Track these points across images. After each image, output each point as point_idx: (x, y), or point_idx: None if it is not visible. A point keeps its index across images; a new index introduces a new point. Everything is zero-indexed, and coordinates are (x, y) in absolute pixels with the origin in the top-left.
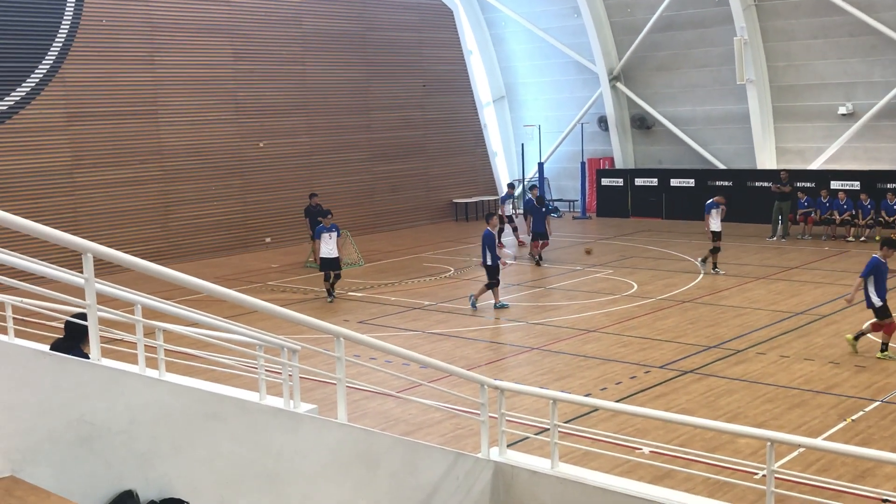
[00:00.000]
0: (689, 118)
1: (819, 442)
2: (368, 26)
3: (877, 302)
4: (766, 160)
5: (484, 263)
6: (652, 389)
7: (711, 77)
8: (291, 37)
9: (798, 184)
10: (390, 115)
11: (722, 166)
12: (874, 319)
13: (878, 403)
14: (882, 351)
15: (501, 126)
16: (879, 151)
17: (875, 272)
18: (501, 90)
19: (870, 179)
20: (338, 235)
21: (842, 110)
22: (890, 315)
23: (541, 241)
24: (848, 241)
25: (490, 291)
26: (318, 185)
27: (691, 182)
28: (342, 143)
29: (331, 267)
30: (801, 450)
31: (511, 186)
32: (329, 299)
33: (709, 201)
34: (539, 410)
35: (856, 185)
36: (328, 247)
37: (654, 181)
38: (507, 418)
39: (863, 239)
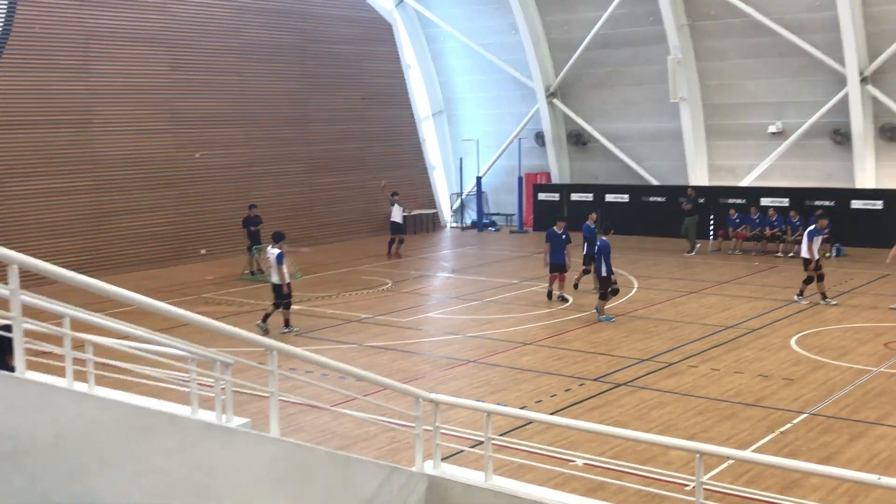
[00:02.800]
0: (624, 135)
1: (747, 454)
2: (307, 38)
3: None
4: (699, 177)
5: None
6: (586, 402)
7: (646, 95)
8: (229, 47)
9: (730, 200)
10: (329, 127)
11: (656, 182)
12: None
13: (805, 416)
14: None
15: (440, 140)
16: (808, 169)
17: None
18: (440, 104)
19: (799, 196)
20: (279, 263)
21: (772, 129)
22: None
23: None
24: (777, 257)
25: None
26: (256, 197)
27: (626, 197)
28: (281, 155)
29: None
30: (731, 462)
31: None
32: (287, 330)
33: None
34: (474, 423)
35: (785, 201)
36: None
37: (590, 196)
38: (443, 431)
39: (791, 255)
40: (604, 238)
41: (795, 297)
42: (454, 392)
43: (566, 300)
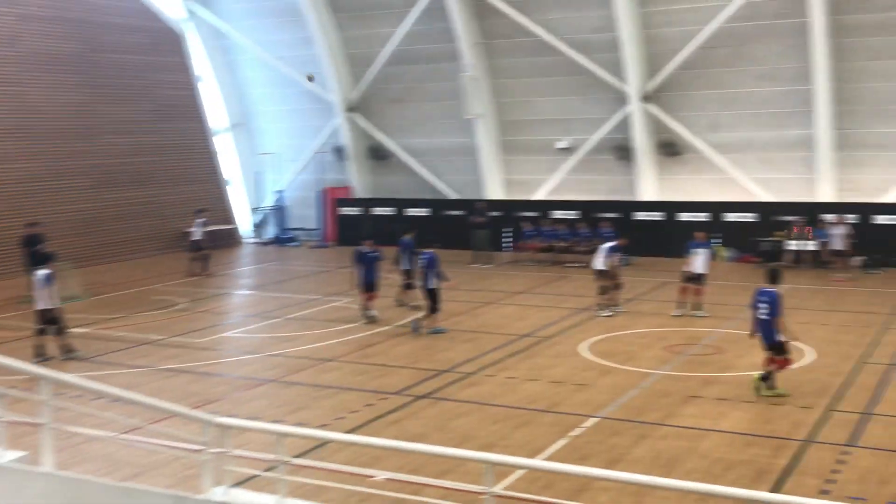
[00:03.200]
0: (423, 149)
1: (534, 462)
2: (91, 47)
3: (780, 337)
4: (495, 191)
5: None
6: (387, 416)
7: (443, 110)
8: (6, 57)
9: (523, 213)
10: (118, 140)
11: (455, 196)
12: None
13: (595, 419)
14: (762, 379)
15: (240, 153)
16: (595, 183)
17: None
18: (237, 117)
19: (587, 209)
20: (46, 285)
21: (560, 144)
22: (786, 351)
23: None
24: (568, 267)
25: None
26: (38, 214)
27: (427, 211)
28: (64, 170)
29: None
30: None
31: None
32: (68, 356)
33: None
34: (272, 445)
35: (575, 214)
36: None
37: (392, 210)
38: (238, 455)
39: (581, 265)
40: (429, 251)
41: (600, 313)
42: (254, 413)
43: (374, 319)
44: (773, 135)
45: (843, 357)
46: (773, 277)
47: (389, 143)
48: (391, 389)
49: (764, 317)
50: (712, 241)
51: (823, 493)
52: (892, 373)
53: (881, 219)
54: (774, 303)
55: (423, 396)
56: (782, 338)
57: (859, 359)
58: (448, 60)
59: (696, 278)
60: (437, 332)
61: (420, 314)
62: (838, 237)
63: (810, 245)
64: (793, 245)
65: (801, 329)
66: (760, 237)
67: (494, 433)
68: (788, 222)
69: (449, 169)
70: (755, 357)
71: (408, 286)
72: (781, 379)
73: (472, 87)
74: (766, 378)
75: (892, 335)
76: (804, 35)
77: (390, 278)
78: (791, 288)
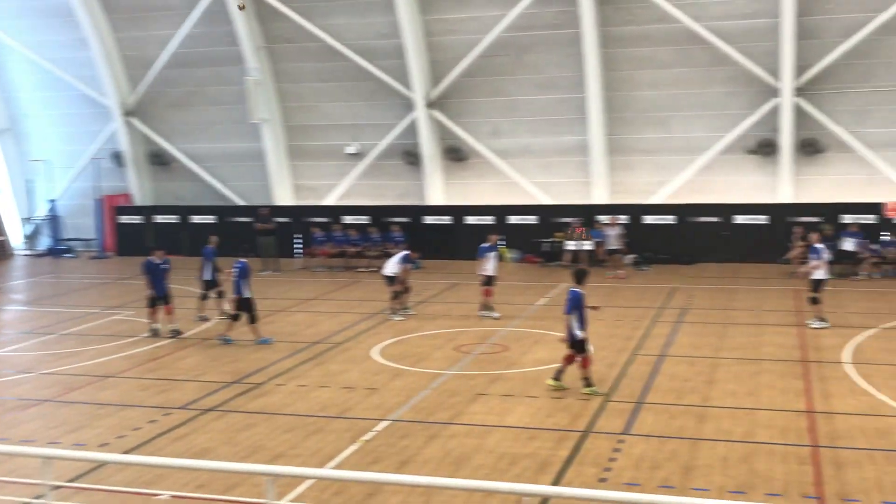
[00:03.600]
0: (207, 155)
1: (313, 471)
2: None
3: (579, 335)
4: (284, 196)
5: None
6: (173, 431)
7: (228, 115)
8: None
9: (313, 219)
10: None
11: (241, 202)
12: (568, 353)
13: (387, 422)
14: (555, 379)
15: (7, 160)
16: (385, 188)
17: (579, 305)
18: (5, 122)
19: (377, 214)
20: None
21: (349, 150)
22: (587, 349)
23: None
24: (360, 272)
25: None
26: None
27: (213, 218)
28: None
29: None
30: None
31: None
32: None
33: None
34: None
35: (366, 219)
36: None
37: (176, 218)
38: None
39: (373, 270)
40: (243, 260)
41: (391, 317)
42: (28, 435)
43: (179, 333)
44: (551, 141)
45: (618, 350)
46: (579, 278)
47: (171, 149)
48: (176, 404)
49: (566, 314)
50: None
51: (601, 482)
52: (662, 363)
53: (649, 219)
54: (572, 302)
55: (210, 409)
56: (580, 335)
57: (632, 351)
58: (232, 64)
59: (488, 280)
60: (263, 342)
61: (227, 325)
62: (613, 237)
63: (587, 245)
64: (571, 245)
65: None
66: (541, 238)
67: (284, 443)
68: (567, 224)
69: (235, 175)
70: (538, 354)
71: (205, 297)
72: (570, 373)
73: (256, 92)
74: (557, 377)
75: (661, 328)
76: (578, 45)
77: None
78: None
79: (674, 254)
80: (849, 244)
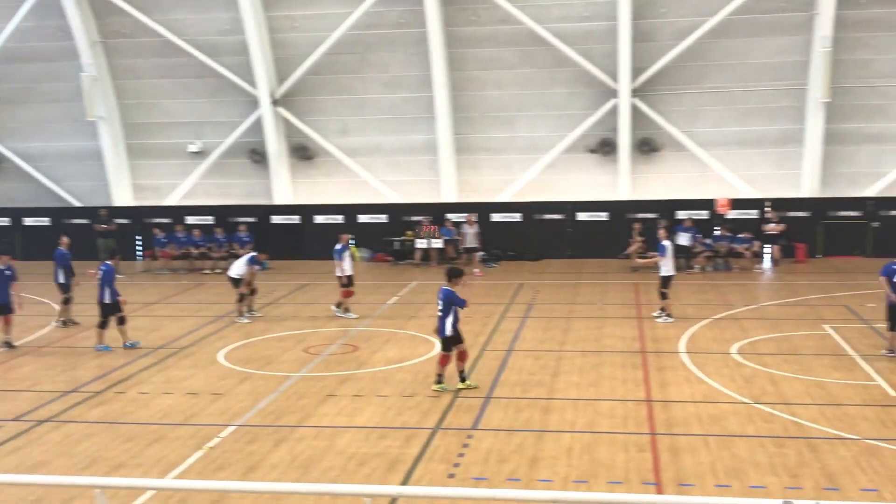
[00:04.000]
0: (41, 154)
1: (144, 481)
2: None
3: (450, 331)
4: (123, 197)
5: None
6: (5, 445)
7: (62, 112)
8: None
9: (155, 220)
10: None
11: (78, 203)
12: (443, 353)
13: (233, 428)
14: (462, 380)
15: None
16: (230, 187)
17: (453, 303)
18: None
19: (223, 214)
20: None
21: (192, 148)
22: (461, 340)
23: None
24: (205, 274)
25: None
26: None
27: (47, 220)
28: None
29: None
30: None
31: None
32: None
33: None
34: None
35: (210, 219)
36: None
37: (7, 221)
38: None
39: (218, 271)
40: (108, 263)
41: (238, 319)
42: None
43: (11, 346)
44: (400, 139)
45: (467, 346)
46: (451, 276)
47: (2, 149)
48: (8, 416)
49: (439, 313)
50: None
51: (450, 477)
52: (509, 358)
53: (497, 216)
54: (447, 301)
55: (46, 421)
56: (451, 332)
57: (482, 347)
58: (66, 59)
59: (348, 280)
60: (102, 349)
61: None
62: (471, 235)
63: (437, 243)
64: (422, 244)
65: (430, 322)
66: (392, 237)
67: (125, 452)
68: (417, 222)
69: (71, 175)
70: (389, 353)
71: (67, 301)
72: (422, 373)
73: (92, 88)
74: (463, 378)
75: (509, 323)
76: (424, 44)
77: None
78: (419, 284)
79: (520, 251)
80: (683, 239)
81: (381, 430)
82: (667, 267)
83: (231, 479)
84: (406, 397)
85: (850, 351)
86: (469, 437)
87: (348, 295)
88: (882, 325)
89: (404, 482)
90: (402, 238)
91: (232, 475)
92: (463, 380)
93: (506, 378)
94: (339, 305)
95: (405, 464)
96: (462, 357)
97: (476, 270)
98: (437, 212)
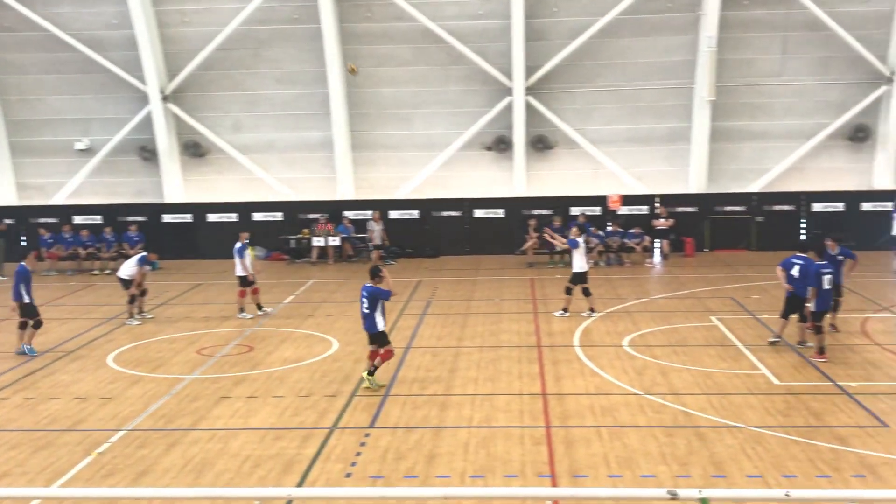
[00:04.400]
0: None
1: (22, 491)
2: None
3: (382, 327)
4: (5, 196)
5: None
6: None
7: None
8: None
9: (40, 219)
10: None
11: None
12: (372, 348)
13: (123, 432)
14: (369, 374)
15: None
16: (119, 185)
17: (379, 299)
18: None
19: (112, 213)
20: None
21: (79, 146)
22: (389, 341)
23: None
24: (94, 275)
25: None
26: None
27: None
28: None
29: None
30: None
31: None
32: None
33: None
34: None
35: (99, 219)
36: None
37: None
38: None
39: (108, 272)
40: (23, 263)
41: (128, 321)
42: None
43: None
44: (295, 136)
45: (365, 344)
46: (373, 274)
47: None
48: None
49: (365, 311)
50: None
51: (347, 477)
52: (407, 355)
53: (394, 214)
54: (373, 297)
55: None
56: (382, 328)
57: None
58: None
59: (252, 279)
60: (28, 352)
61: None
62: (378, 232)
63: (334, 241)
64: (318, 242)
65: (327, 321)
66: (288, 235)
67: (10, 461)
68: (313, 220)
69: None
70: (285, 353)
71: None
72: (318, 372)
73: None
74: (372, 372)
75: (407, 320)
76: (319, 40)
77: None
78: (316, 283)
79: (418, 248)
80: None
81: (277, 431)
82: (579, 263)
83: (121, 486)
84: (302, 397)
85: (735, 341)
86: (367, 435)
87: (245, 294)
88: (766, 316)
89: (300, 483)
90: (299, 236)
91: (122, 481)
92: (370, 373)
93: (403, 375)
94: (258, 306)
95: (301, 464)
96: (385, 356)
97: (391, 265)
98: (333, 209)
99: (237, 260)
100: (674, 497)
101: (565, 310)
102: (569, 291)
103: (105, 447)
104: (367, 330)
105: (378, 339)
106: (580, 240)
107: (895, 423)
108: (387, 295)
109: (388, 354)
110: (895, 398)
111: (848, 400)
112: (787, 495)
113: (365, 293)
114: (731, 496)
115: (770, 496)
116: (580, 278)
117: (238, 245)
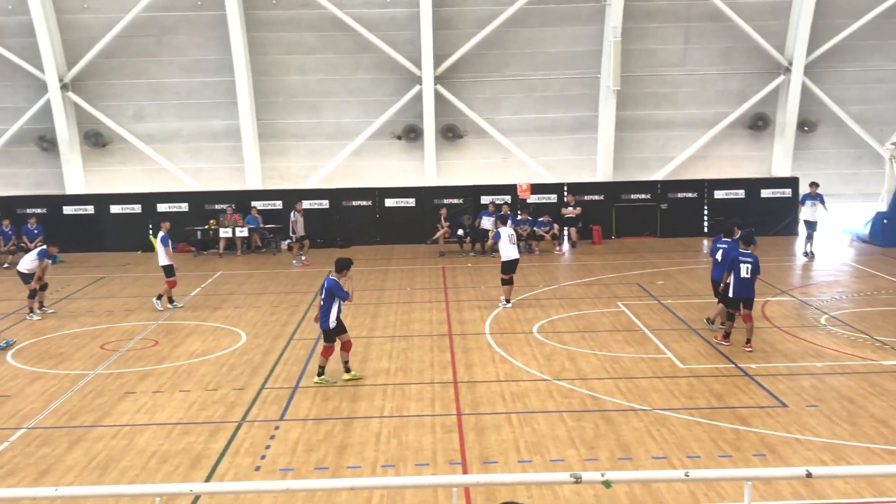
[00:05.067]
0: None
1: None
2: None
3: (333, 322)
4: None
5: None
6: None
7: None
8: None
9: None
10: None
11: None
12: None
13: (23, 430)
14: (319, 375)
15: None
16: (16, 177)
17: (337, 294)
18: None
19: (10, 205)
20: None
21: None
22: (344, 331)
23: None
24: None
25: None
26: None
27: None
28: None
29: None
30: None
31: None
32: None
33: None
34: None
35: None
36: None
37: None
38: None
39: (6, 266)
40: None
41: (30, 316)
42: None
43: None
44: (201, 125)
45: (274, 336)
46: (338, 268)
47: None
48: None
49: (322, 303)
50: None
51: (257, 470)
52: (318, 346)
53: (304, 204)
54: (330, 293)
55: None
56: (334, 323)
57: (289, 336)
58: None
59: (170, 269)
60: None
61: None
62: (301, 222)
63: (242, 232)
64: (226, 233)
65: (235, 313)
66: (194, 226)
67: None
68: (220, 211)
69: None
70: (192, 346)
71: None
72: (226, 366)
73: None
74: (347, 367)
75: (316, 311)
76: (224, 27)
77: None
78: (223, 275)
79: (329, 238)
80: (487, 223)
81: (184, 426)
82: (506, 252)
83: (21, 486)
84: (210, 391)
85: (641, 326)
86: (276, 428)
87: (175, 284)
88: (671, 301)
89: (208, 478)
90: (205, 227)
91: (22, 481)
92: (347, 370)
93: (313, 367)
94: (166, 299)
95: (210, 459)
96: (346, 347)
97: (304, 258)
98: (241, 199)
99: (161, 250)
100: (577, 480)
101: (507, 300)
102: (504, 282)
103: (4, 446)
104: (320, 324)
105: (328, 336)
106: (502, 230)
107: (794, 403)
108: (344, 296)
109: (348, 346)
110: (793, 379)
111: (749, 381)
112: (686, 475)
113: (325, 285)
114: (634, 478)
115: (670, 476)
116: (507, 267)
117: (162, 234)
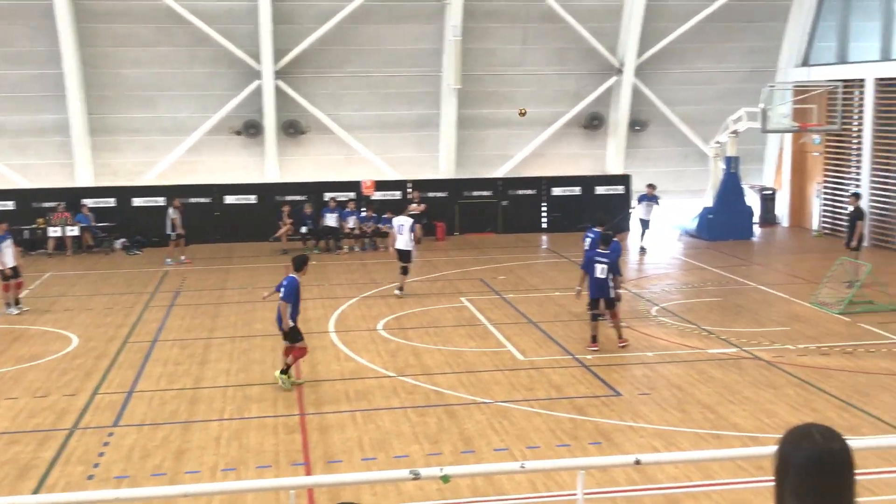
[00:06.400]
0: None
1: None
2: None
3: (292, 323)
4: None
5: None
6: None
7: None
8: None
9: None
10: None
11: None
12: (287, 344)
13: None
14: (283, 373)
15: None
16: None
17: (296, 293)
18: None
19: None
20: None
21: None
22: (302, 337)
23: None
24: None
25: None
26: None
27: None
28: None
29: None
30: None
31: None
32: None
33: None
34: None
35: None
36: None
37: None
38: None
39: None
40: None
41: None
42: None
43: None
44: (27, 119)
45: (107, 339)
46: (298, 265)
47: None
48: None
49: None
50: None
51: (90, 479)
52: (154, 349)
53: (138, 201)
54: (288, 289)
55: None
56: (292, 323)
57: (123, 339)
58: None
59: (14, 272)
60: None
61: None
62: (179, 219)
63: (72, 230)
64: (55, 232)
65: (65, 316)
66: (22, 225)
67: None
68: (50, 209)
69: None
70: (18, 351)
71: None
72: (56, 371)
73: None
74: (286, 371)
75: (154, 313)
76: (51, 17)
77: None
78: (53, 276)
79: (165, 236)
80: (331, 220)
81: (11, 435)
82: (399, 243)
83: None
84: (39, 398)
85: (484, 321)
86: (110, 434)
87: (9, 289)
88: (511, 295)
89: (37, 489)
90: (33, 226)
91: None
92: (284, 372)
93: (150, 371)
94: (8, 304)
95: (39, 469)
96: (297, 353)
97: (183, 257)
98: (71, 197)
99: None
100: (416, 477)
101: (400, 288)
102: (405, 271)
103: None
104: (279, 325)
105: (287, 336)
106: (395, 220)
107: (627, 392)
108: (287, 298)
109: (300, 352)
110: (627, 368)
111: (585, 372)
112: (522, 467)
113: (284, 282)
114: (472, 471)
115: (507, 469)
116: (401, 256)
117: (4, 235)
